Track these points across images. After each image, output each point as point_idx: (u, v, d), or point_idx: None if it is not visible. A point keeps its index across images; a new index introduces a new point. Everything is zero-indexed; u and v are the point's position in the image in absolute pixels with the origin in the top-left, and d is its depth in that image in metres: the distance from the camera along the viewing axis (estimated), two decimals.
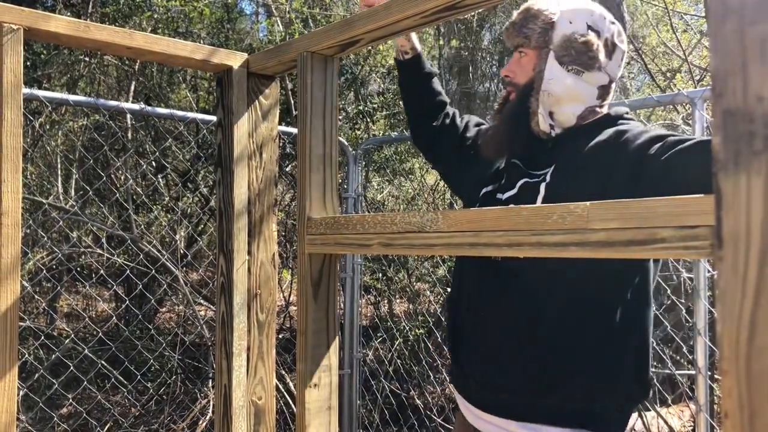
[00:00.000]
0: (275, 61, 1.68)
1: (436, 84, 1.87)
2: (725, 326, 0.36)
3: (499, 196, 1.56)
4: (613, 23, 1.53)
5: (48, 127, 4.94)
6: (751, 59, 0.35)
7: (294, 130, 3.34)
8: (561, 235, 1.04)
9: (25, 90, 2.20)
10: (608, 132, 1.46)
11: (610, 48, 1.51)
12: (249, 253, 1.74)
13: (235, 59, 1.73)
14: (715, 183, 0.38)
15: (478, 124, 1.86)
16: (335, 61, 1.62)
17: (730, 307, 0.35)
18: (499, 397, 1.49)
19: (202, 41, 5.61)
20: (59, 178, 4.17)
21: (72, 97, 2.29)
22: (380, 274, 6.00)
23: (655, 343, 3.39)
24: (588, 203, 1.01)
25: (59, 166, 4.31)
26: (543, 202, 1.44)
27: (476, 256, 1.52)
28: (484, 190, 1.61)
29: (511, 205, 1.26)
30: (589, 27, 1.50)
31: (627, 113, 1.53)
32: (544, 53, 1.50)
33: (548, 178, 1.46)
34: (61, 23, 1.45)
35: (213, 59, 1.69)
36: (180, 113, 2.71)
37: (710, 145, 1.33)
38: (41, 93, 2.18)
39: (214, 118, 2.83)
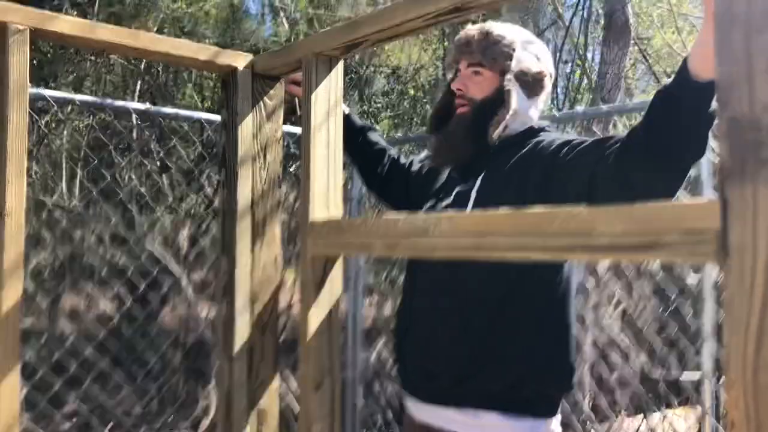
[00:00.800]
0: (280, 62, 1.68)
1: (372, 135, 2.05)
2: (732, 337, 0.35)
3: (438, 206, 1.73)
4: (550, 56, 1.78)
5: (54, 125, 4.94)
6: (758, 67, 0.34)
7: (299, 131, 3.34)
8: (566, 239, 1.03)
9: (31, 89, 2.20)
10: (530, 143, 1.66)
11: (550, 78, 1.77)
12: (252, 254, 1.74)
13: (239, 60, 1.72)
14: (720, 192, 0.37)
15: (421, 161, 2.02)
16: (340, 62, 1.61)
17: (737, 318, 0.35)
18: (437, 385, 1.62)
19: (207, 41, 5.61)
20: (64, 178, 4.18)
21: (78, 97, 2.29)
22: (384, 275, 5.99)
23: (660, 347, 3.38)
24: (593, 207, 1.00)
25: (64, 165, 4.32)
26: (473, 207, 1.62)
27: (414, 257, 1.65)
28: (426, 206, 1.78)
29: (512, 209, 1.26)
30: (538, 58, 1.73)
31: (548, 126, 1.76)
32: (507, 76, 1.68)
33: (477, 184, 1.65)
34: (66, 23, 1.45)
35: (218, 60, 1.69)
36: (185, 113, 2.72)
37: (605, 140, 1.48)
38: (47, 92, 2.19)
39: (218, 118, 2.82)
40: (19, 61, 1.40)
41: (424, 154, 2.11)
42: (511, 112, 1.69)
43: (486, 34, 1.71)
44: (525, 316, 1.57)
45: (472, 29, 1.74)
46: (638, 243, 0.94)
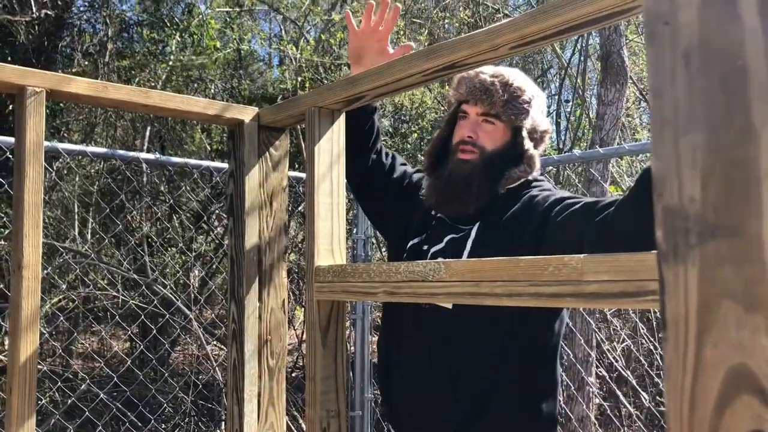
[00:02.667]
0: (285, 115, 1.75)
1: (377, 118, 1.91)
2: (670, 400, 0.40)
3: (425, 248, 1.69)
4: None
5: (66, 172, 5.05)
6: (684, 164, 0.40)
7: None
8: (556, 287, 1.08)
9: (46, 143, 2.28)
10: (525, 196, 1.64)
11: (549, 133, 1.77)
12: (260, 300, 1.79)
13: (246, 113, 1.79)
14: (659, 272, 0.42)
15: (403, 164, 1.93)
16: (342, 115, 1.68)
17: (674, 382, 0.40)
18: (429, 429, 1.62)
19: (214, 86, 5.74)
20: (76, 223, 4.26)
21: (90, 149, 2.38)
22: None
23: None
24: (582, 256, 1.05)
25: (76, 210, 4.41)
26: (468, 257, 1.58)
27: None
28: (411, 243, 1.72)
29: (507, 257, 1.30)
30: (543, 113, 1.72)
31: (540, 176, 1.73)
32: (519, 129, 1.65)
33: (473, 234, 1.62)
34: (81, 85, 1.53)
35: (225, 114, 1.76)
36: (194, 162, 2.79)
37: (594, 205, 1.47)
38: (61, 145, 2.28)
39: (226, 165, 2.90)
40: (36, 121, 1.47)
41: (413, 169, 1.96)
42: (535, 173, 1.68)
43: (506, 85, 1.64)
44: (516, 368, 1.57)
45: (486, 73, 1.67)
46: (624, 290, 0.99)
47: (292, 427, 4.24)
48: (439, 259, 1.34)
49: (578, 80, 5.10)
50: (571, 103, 6.02)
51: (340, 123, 1.68)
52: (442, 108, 6.96)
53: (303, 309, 5.82)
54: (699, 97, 0.40)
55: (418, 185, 1.86)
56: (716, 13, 0.39)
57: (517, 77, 1.67)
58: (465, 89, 1.68)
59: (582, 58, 5.29)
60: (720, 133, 0.39)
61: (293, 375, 5.86)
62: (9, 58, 5.12)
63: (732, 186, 0.38)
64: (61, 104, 5.32)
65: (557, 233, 1.47)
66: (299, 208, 5.67)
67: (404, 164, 1.93)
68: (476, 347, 1.56)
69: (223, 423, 4.48)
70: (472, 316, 1.54)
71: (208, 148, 6.10)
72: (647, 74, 0.44)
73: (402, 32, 6.14)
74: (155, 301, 3.75)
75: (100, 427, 3.26)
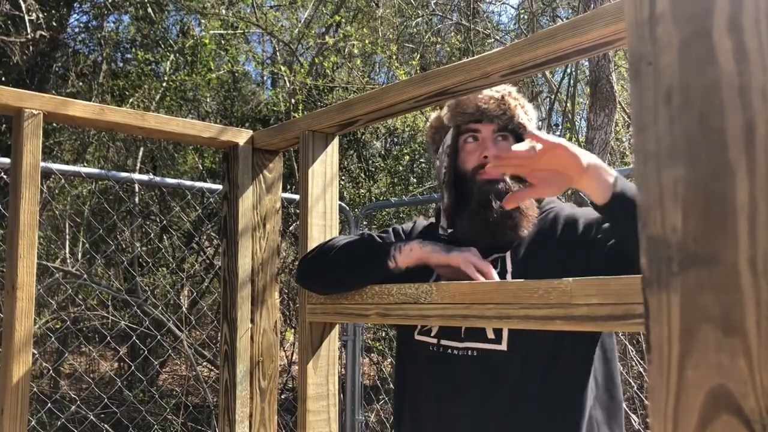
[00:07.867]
0: (279, 138, 1.77)
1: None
2: (654, 420, 0.42)
3: None
4: None
5: (57, 192, 5.05)
6: (667, 196, 0.42)
7: (298, 197, 3.43)
8: (547, 309, 1.10)
9: (41, 164, 2.29)
10: (545, 217, 1.47)
11: None
12: (252, 321, 1.80)
13: (240, 136, 1.82)
14: (643, 297, 0.45)
15: (405, 231, 1.66)
16: (335, 138, 1.70)
17: (658, 403, 0.42)
18: None
19: (208, 106, 5.77)
20: (67, 242, 4.26)
21: (84, 170, 2.39)
22: (383, 333, 6.00)
23: None
24: (571, 279, 1.08)
25: (67, 230, 4.41)
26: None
27: (425, 343, 1.47)
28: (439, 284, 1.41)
29: (502, 279, 1.32)
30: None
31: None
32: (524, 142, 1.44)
33: (510, 266, 1.41)
34: (78, 107, 1.55)
35: (221, 137, 1.78)
36: (187, 183, 2.81)
37: (600, 225, 1.32)
38: (55, 166, 2.29)
39: (219, 186, 2.92)
40: (33, 144, 1.48)
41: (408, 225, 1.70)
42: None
43: (515, 99, 1.51)
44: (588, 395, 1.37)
45: (490, 89, 1.49)
46: (611, 313, 1.02)
47: None
48: (431, 282, 1.33)
49: (568, 104, 5.18)
50: (560, 127, 6.10)
51: (334, 146, 1.70)
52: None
53: (294, 330, 5.80)
54: (679, 133, 0.42)
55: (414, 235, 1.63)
56: (695, 55, 0.42)
57: (512, 90, 1.54)
58: (473, 108, 1.49)
59: (572, 82, 5.38)
60: (699, 168, 0.41)
61: (283, 397, 5.83)
62: (3, 79, 5.14)
63: (711, 217, 0.40)
64: (55, 124, 5.34)
65: (596, 251, 1.32)
66: (290, 229, 5.69)
67: (405, 231, 1.67)
68: (531, 382, 1.35)
69: None
70: (533, 350, 1.35)
71: (201, 167, 6.12)
72: (631, 110, 0.46)
73: (394, 56, 6.21)
74: (146, 322, 3.74)
75: None
